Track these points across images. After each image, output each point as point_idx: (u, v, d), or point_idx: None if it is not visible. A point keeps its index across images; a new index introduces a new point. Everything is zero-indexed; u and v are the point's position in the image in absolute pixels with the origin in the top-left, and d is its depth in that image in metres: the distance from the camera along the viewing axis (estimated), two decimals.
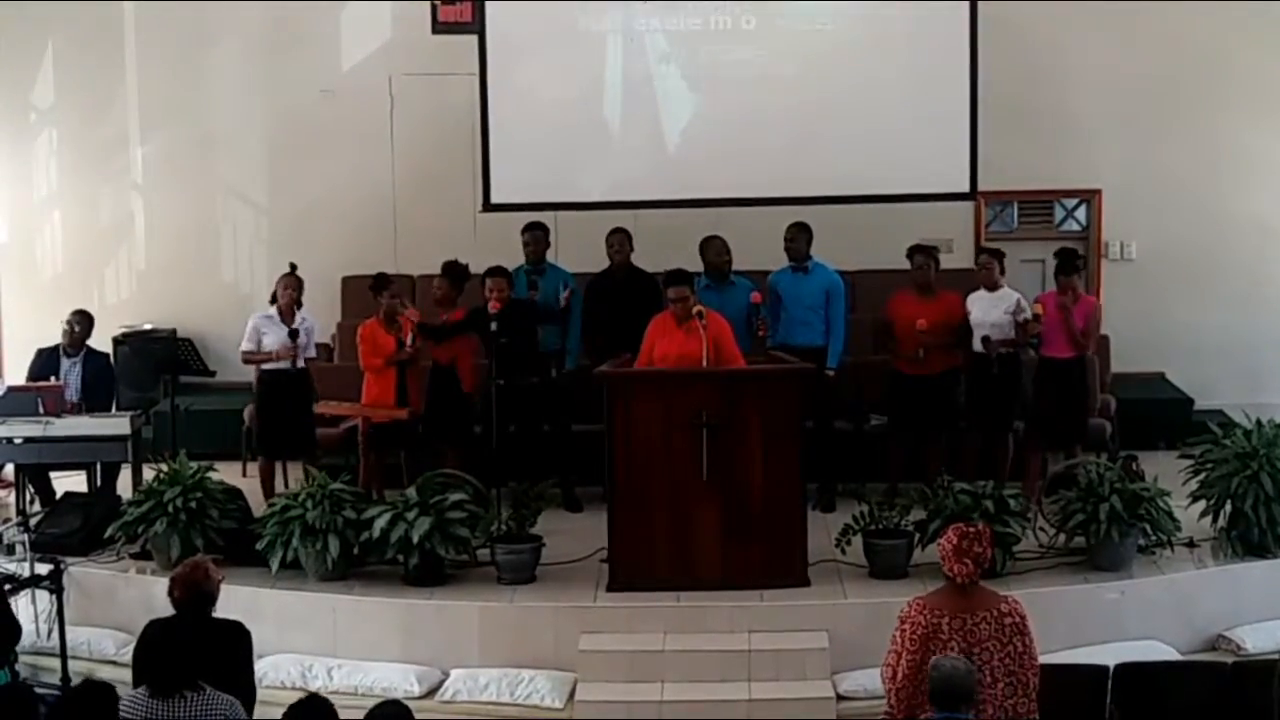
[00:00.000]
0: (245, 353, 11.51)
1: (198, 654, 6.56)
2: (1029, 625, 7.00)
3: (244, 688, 7.13)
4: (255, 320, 11.52)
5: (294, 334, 11.38)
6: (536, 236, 12.03)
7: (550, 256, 12.23)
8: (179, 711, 6.50)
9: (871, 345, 12.09)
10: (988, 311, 11.34)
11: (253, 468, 12.02)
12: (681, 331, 10.28)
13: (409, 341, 11.23)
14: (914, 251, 11.68)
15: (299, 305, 11.55)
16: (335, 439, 11.94)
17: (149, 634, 7.30)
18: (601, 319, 11.86)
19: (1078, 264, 11.46)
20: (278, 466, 11.84)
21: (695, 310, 10.28)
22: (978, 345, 11.37)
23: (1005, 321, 11.28)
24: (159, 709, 6.51)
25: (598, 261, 12.35)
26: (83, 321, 12.18)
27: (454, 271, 11.70)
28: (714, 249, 11.78)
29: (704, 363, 10.11)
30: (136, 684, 7.08)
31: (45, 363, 12.11)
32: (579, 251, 12.31)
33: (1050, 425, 11.31)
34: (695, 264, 11.52)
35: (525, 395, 11.28)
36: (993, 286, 11.38)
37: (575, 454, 11.69)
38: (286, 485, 11.66)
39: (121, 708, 6.48)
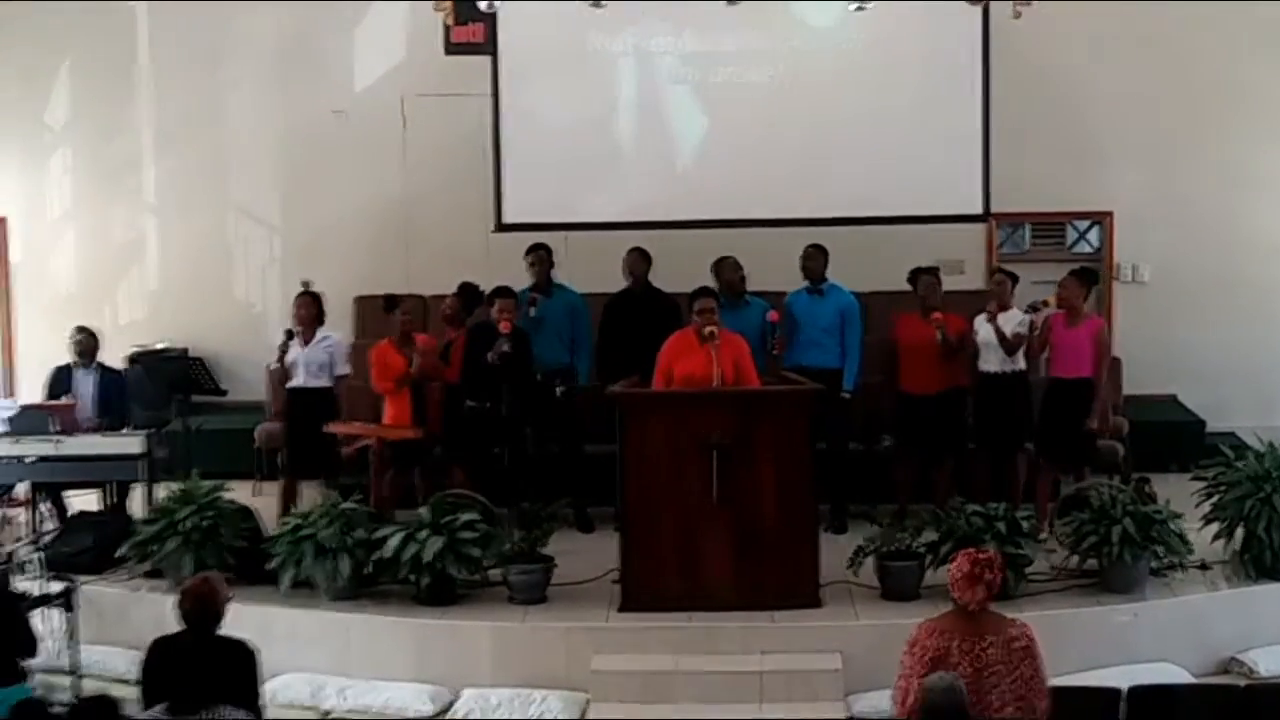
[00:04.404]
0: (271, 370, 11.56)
1: (213, 672, 6.54)
2: (1038, 648, 6.98)
3: (251, 708, 7.12)
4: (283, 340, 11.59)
5: (289, 334, 11.44)
6: (540, 257, 12.06)
7: (563, 278, 12.27)
8: None
9: (879, 368, 12.05)
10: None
11: (264, 486, 12.03)
12: (702, 351, 10.26)
13: (416, 361, 11.23)
14: (919, 273, 11.69)
15: (320, 323, 11.57)
16: (349, 459, 11.92)
17: (155, 652, 7.29)
18: (620, 338, 11.81)
19: (1091, 277, 11.48)
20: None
21: (707, 331, 10.27)
22: (985, 365, 11.39)
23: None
24: None
25: (610, 282, 12.35)
26: (89, 333, 12.22)
27: (468, 292, 11.72)
28: (728, 267, 11.79)
29: (714, 383, 10.12)
30: (147, 701, 7.07)
31: (62, 380, 12.12)
32: (591, 272, 12.32)
33: (1056, 446, 11.31)
34: (707, 284, 11.49)
35: (524, 419, 11.34)
36: (1004, 306, 11.38)
37: (586, 474, 11.70)
38: (297, 505, 11.63)
39: None
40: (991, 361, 11.37)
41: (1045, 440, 11.35)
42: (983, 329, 11.36)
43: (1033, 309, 11.30)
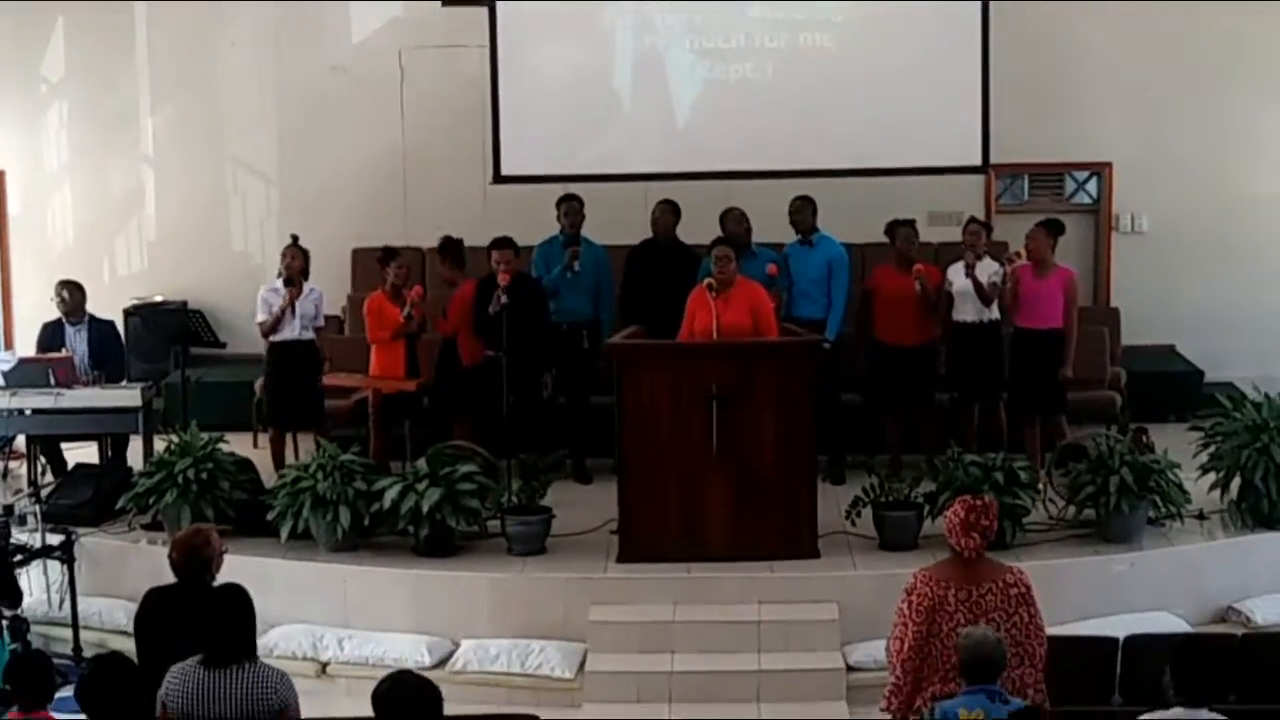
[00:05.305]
0: (261, 324, 11.53)
1: (210, 621, 6.49)
2: (1034, 595, 7.00)
3: (251, 656, 7.05)
4: (263, 291, 11.60)
5: (289, 281, 11.46)
6: (573, 208, 11.99)
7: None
8: (231, 683, 6.29)
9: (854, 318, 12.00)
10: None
11: (264, 439, 12.05)
12: (719, 302, 10.22)
13: (412, 312, 11.24)
14: (897, 225, 11.67)
15: (305, 276, 11.57)
16: (345, 411, 11.94)
17: (150, 603, 7.26)
18: (641, 289, 11.77)
19: (1057, 227, 11.43)
20: (289, 438, 11.85)
21: (707, 282, 10.26)
22: (961, 315, 11.41)
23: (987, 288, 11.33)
24: (211, 680, 6.30)
25: (607, 234, 12.31)
26: (72, 289, 12.11)
27: (451, 250, 11.70)
28: (733, 218, 11.72)
29: (714, 335, 10.11)
30: (141, 652, 7.06)
31: (52, 336, 12.09)
32: (589, 224, 12.27)
33: (1028, 395, 11.32)
34: (706, 237, 11.44)
35: (544, 365, 11.38)
36: (979, 256, 11.37)
37: (586, 426, 11.71)
38: (297, 457, 11.66)
39: (170, 678, 6.36)
40: (968, 311, 11.38)
41: (1017, 391, 11.38)
42: (959, 279, 11.36)
43: (1007, 260, 11.29)
